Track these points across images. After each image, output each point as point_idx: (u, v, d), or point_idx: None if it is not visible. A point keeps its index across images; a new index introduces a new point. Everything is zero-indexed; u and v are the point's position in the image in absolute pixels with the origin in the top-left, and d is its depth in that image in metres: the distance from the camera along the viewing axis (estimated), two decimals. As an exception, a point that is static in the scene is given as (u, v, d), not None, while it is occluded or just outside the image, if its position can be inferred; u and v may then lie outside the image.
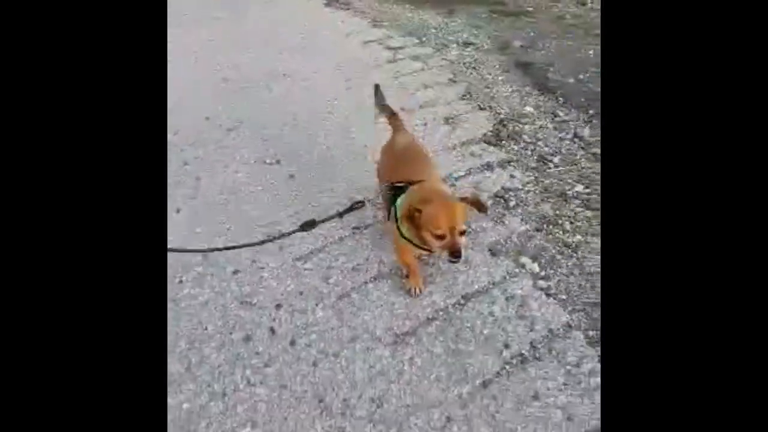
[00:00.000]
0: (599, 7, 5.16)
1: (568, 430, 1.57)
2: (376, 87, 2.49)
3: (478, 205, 1.76)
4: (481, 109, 3.40)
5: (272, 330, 1.91)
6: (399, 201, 1.85)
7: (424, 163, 2.08)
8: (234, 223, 2.46)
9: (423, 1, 5.46)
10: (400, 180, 1.91)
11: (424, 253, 1.89)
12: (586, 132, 3.11)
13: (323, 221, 2.04)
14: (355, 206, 2.11)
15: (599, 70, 3.88)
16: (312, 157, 2.95)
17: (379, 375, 1.74)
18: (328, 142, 3.07)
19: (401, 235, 1.83)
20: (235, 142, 3.14)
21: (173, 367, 1.78)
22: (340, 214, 2.09)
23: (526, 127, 3.20)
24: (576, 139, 3.06)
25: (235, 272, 2.18)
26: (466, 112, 3.36)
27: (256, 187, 2.71)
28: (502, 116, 3.31)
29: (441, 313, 1.97)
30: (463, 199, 1.74)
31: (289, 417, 1.62)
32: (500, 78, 3.84)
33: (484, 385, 1.70)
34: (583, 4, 5.23)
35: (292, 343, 1.86)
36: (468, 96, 3.56)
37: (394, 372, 1.75)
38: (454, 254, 1.65)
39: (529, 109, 3.41)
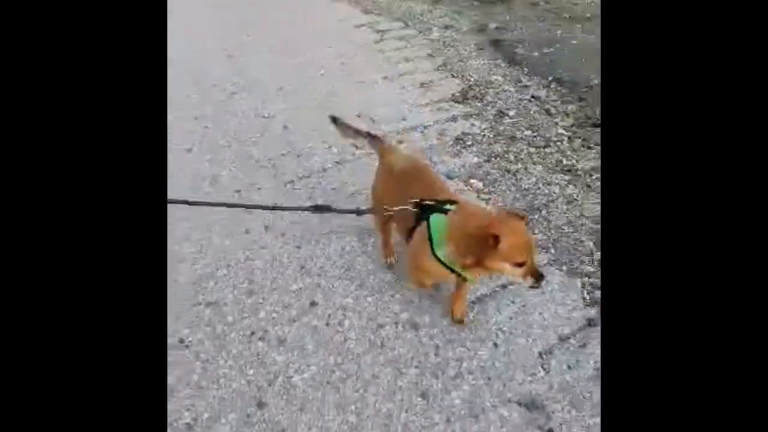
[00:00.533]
0: (572, -4, 5.67)
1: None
2: (333, 119, 2.24)
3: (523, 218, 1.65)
4: (453, 77, 3.92)
5: (266, 227, 2.43)
6: (434, 221, 1.68)
7: (436, 178, 1.96)
8: (238, 160, 2.98)
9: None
10: (416, 198, 1.76)
11: (450, 278, 1.77)
12: (542, 93, 3.61)
13: (338, 211, 1.92)
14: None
15: (562, 45, 4.40)
16: (302, 111, 3.46)
17: (348, 253, 2.25)
18: (315, 103, 3.59)
19: (437, 258, 1.66)
20: (237, 102, 3.66)
21: (189, 249, 2.30)
22: (359, 212, 1.93)
23: (491, 90, 3.70)
24: (533, 99, 3.56)
25: (238, 191, 2.69)
26: (439, 80, 3.88)
27: (255, 134, 3.23)
28: (471, 83, 3.82)
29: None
30: (520, 216, 1.63)
31: (278, 277, 2.13)
32: (474, 54, 4.35)
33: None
34: (558, -7, 5.74)
35: (283, 234, 2.37)
36: (443, 67, 4.08)
37: (360, 251, 2.25)
38: (539, 278, 1.56)
39: (496, 77, 3.91)
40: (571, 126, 3.20)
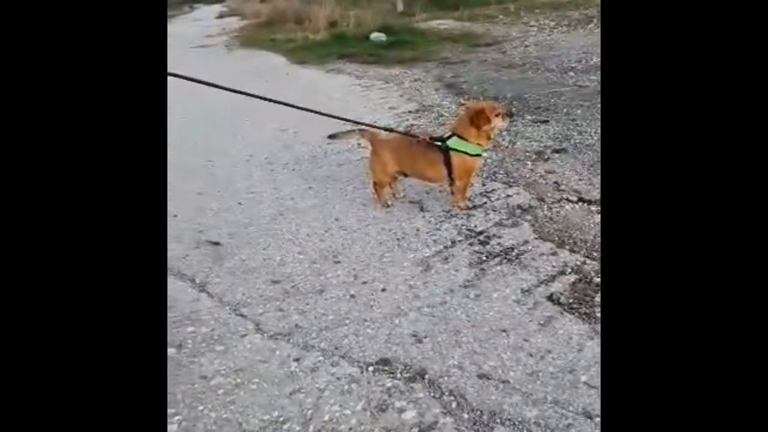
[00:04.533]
0: (514, 53, 7.71)
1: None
2: (331, 136, 3.35)
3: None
4: (413, 102, 5.79)
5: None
6: (452, 143, 2.92)
7: (411, 137, 3.26)
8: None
9: (394, 63, 8.12)
10: (419, 153, 3.03)
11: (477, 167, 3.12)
12: (470, 102, 5.41)
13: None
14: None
15: (495, 81, 6.29)
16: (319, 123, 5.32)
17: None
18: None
19: (470, 154, 2.92)
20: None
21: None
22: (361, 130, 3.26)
23: (437, 108, 5.53)
24: (461, 105, 5.36)
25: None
26: (403, 104, 5.75)
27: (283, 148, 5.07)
28: (425, 105, 5.67)
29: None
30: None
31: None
32: (432, 92, 6.26)
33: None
34: (503, 53, 7.80)
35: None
36: (408, 98, 5.98)
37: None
38: (509, 113, 3.07)
39: (444, 102, 5.76)
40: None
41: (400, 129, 4.39)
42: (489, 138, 3.02)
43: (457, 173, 3.02)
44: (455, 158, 2.96)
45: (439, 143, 3.00)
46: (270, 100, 2.70)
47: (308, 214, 3.35)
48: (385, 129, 3.34)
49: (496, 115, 2.91)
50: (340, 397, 1.89)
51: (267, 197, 3.65)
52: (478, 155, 3.01)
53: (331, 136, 3.35)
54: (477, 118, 2.89)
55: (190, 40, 13.23)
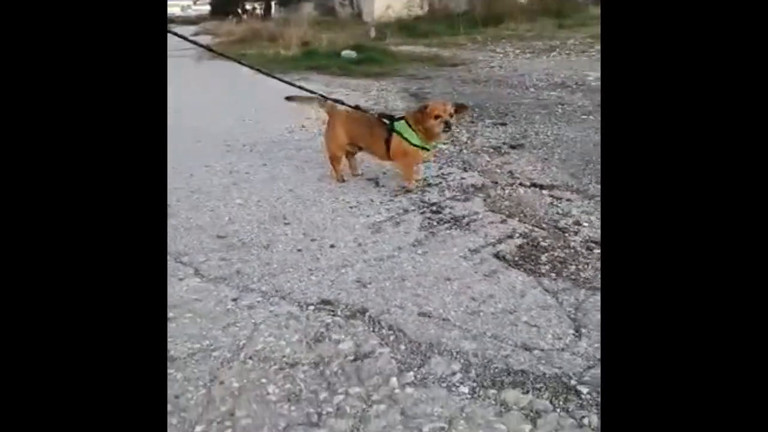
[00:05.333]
0: (479, 72, 7.96)
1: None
2: (288, 98, 3.40)
3: (462, 108, 3.09)
4: (376, 105, 5.88)
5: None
6: (398, 126, 2.99)
7: (369, 115, 3.27)
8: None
9: (362, 76, 8.26)
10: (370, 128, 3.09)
11: (427, 153, 3.10)
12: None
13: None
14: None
15: (458, 93, 6.46)
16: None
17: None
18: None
19: (411, 143, 2.95)
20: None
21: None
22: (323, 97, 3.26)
23: (400, 111, 5.62)
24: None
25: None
26: (371, 107, 5.82)
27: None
28: (388, 107, 5.76)
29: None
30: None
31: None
32: (397, 99, 6.38)
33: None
34: (469, 71, 8.05)
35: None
36: (372, 102, 6.06)
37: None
38: (447, 125, 2.87)
39: (408, 107, 5.87)
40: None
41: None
42: (434, 135, 3.01)
43: (393, 153, 3.08)
44: (395, 140, 3.03)
45: (386, 121, 3.07)
46: (259, 71, 2.72)
47: (262, 184, 3.32)
48: (339, 102, 3.36)
49: (436, 117, 2.91)
50: (276, 330, 1.83)
51: (220, 170, 3.60)
52: (422, 148, 3.04)
53: (288, 98, 3.38)
54: (420, 113, 2.97)
55: (160, 51, 13.16)
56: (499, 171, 3.56)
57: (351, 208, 2.92)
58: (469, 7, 15.87)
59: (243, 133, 4.72)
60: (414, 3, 17.14)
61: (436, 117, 2.90)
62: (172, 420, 1.44)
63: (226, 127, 4.93)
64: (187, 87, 7.27)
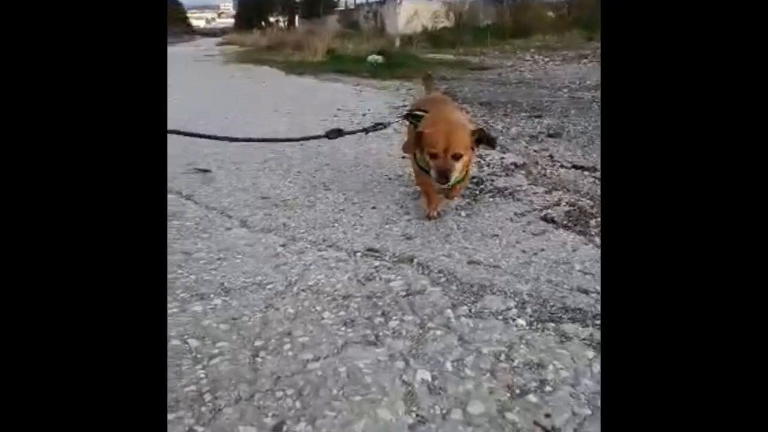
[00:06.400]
0: (509, 75, 8.02)
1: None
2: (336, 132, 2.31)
3: (487, 139, 1.98)
4: (406, 100, 5.95)
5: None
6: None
7: (446, 102, 2.49)
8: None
9: (390, 78, 8.38)
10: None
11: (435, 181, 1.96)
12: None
13: (349, 133, 2.42)
14: (378, 127, 2.45)
15: (490, 93, 6.51)
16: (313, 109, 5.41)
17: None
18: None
19: (416, 160, 2.10)
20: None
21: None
22: (366, 131, 2.44)
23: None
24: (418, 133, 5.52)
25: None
26: (396, 100, 5.90)
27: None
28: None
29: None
30: (473, 131, 1.93)
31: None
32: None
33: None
34: (498, 74, 8.11)
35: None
36: (402, 99, 6.14)
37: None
38: (441, 173, 1.83)
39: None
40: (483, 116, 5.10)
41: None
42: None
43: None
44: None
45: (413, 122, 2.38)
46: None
47: (302, 160, 3.37)
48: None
49: (431, 156, 1.98)
50: (326, 270, 1.86)
51: (260, 146, 3.67)
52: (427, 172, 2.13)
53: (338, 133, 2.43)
54: (417, 136, 2.06)
55: (193, 57, 13.59)
56: (538, 155, 3.56)
57: (389, 179, 2.95)
58: (497, 20, 16.05)
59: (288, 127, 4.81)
60: (440, 14, 17.38)
61: (431, 156, 1.96)
62: (231, 336, 1.46)
63: (266, 115, 5.03)
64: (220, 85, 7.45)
